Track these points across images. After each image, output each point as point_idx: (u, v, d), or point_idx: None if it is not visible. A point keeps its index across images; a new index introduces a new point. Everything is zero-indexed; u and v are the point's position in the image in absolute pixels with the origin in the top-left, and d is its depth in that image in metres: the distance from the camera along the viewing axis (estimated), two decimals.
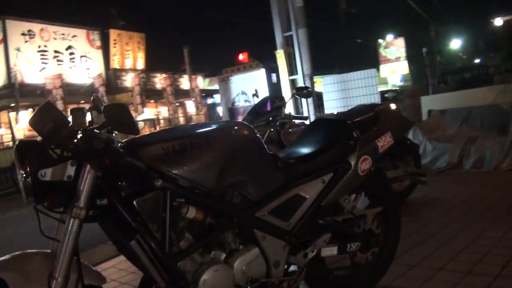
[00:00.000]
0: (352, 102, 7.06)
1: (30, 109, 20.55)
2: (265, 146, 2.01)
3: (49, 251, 1.62)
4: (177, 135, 1.84)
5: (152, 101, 26.52)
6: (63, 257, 1.54)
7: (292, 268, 2.14)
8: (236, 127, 2.00)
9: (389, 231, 2.53)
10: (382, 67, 33.53)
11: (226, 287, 1.80)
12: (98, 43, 24.20)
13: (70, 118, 1.66)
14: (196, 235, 1.79)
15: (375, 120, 2.35)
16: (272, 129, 3.95)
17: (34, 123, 1.52)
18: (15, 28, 20.03)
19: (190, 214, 1.74)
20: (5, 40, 19.61)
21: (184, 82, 27.29)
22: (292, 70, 7.10)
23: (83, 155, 1.56)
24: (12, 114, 18.46)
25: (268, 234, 1.94)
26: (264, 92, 6.69)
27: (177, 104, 25.10)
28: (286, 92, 7.08)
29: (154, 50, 27.91)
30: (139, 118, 22.59)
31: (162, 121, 23.75)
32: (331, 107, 7.41)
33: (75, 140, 1.57)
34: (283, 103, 4.01)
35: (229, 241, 1.90)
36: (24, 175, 1.50)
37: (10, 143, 17.77)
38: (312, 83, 7.17)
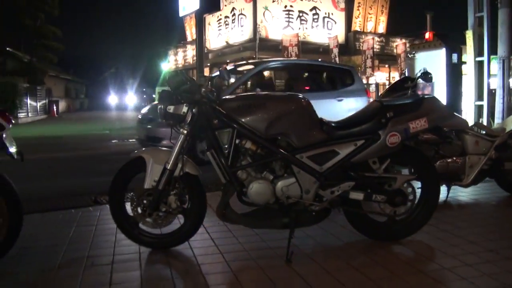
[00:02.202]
0: None
1: None
2: (315, 113, 3.07)
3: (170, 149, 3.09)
4: (249, 98, 3.08)
5: (386, 65, 27.08)
6: (174, 153, 2.99)
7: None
8: (291, 98, 3.13)
9: (424, 198, 3.29)
10: None
11: (265, 195, 2.99)
12: (342, 5, 25.74)
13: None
14: (252, 159, 3.03)
15: (414, 107, 3.10)
16: None
17: (168, 81, 2.95)
18: None
19: (247, 145, 2.99)
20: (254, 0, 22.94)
21: None
22: (480, 51, 7.22)
23: (189, 102, 2.95)
24: None
25: (302, 170, 3.02)
26: (442, 72, 7.05)
27: (404, 71, 25.13)
28: (470, 72, 7.27)
29: (397, 14, 28.01)
30: (370, 80, 23.64)
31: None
32: None
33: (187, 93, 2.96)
34: (412, 84, 4.71)
35: (276, 169, 3.08)
36: (160, 107, 2.97)
37: None
38: (508, 65, 7.14)
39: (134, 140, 12.67)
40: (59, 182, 6.35)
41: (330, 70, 8.33)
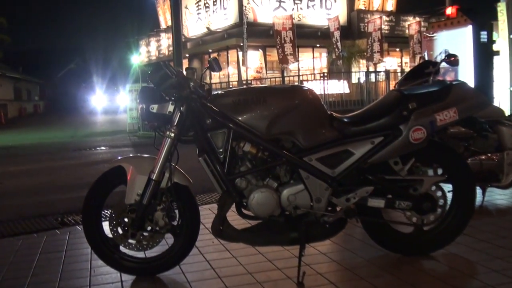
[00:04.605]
0: None
1: (260, 51, 23.76)
2: (324, 107, 3.09)
3: (156, 157, 3.09)
4: (245, 92, 3.09)
5: (397, 49, 27.29)
6: (159, 160, 2.99)
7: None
8: (295, 90, 3.14)
9: (457, 203, 3.31)
10: None
11: (269, 206, 3.00)
12: None
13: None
14: (252, 164, 3.04)
15: (441, 96, 3.13)
16: None
17: (149, 75, 2.96)
18: None
19: (246, 148, 3.00)
20: None
21: None
22: None
23: (176, 99, 2.95)
24: (241, 54, 21.87)
25: (311, 175, 3.03)
26: (469, 54, 7.09)
27: (423, 55, 25.30)
28: (504, 52, 7.31)
29: None
30: (379, 67, 23.78)
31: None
32: None
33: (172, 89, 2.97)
34: (434, 69, 4.74)
35: (281, 175, 3.09)
36: (142, 107, 2.98)
37: (236, 83, 21.26)
38: None
39: (105, 148, 12.71)
40: (16, 201, 6.31)
41: None
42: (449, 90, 3.16)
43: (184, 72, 3.06)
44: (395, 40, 26.54)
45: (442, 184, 3.26)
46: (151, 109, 2.99)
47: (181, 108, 2.97)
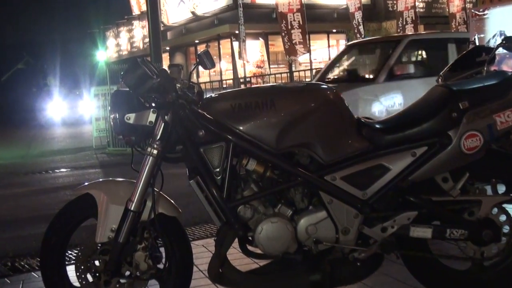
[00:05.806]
0: None
1: (261, 39, 23.79)
2: (349, 111, 3.07)
3: (134, 180, 3.07)
4: (247, 94, 3.08)
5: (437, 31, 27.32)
6: (139, 185, 2.97)
7: None
8: (312, 90, 3.13)
9: None
10: None
11: (282, 240, 2.97)
12: None
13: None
14: (259, 186, 3.01)
15: (500, 91, 3.11)
16: None
17: (124, 76, 2.94)
18: None
19: (250, 166, 2.98)
20: None
21: None
22: None
23: (158, 105, 2.94)
24: (236, 44, 21.92)
25: (335, 199, 3.01)
26: None
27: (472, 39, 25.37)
28: None
29: None
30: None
31: None
32: None
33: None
34: (489, 57, 4.73)
35: (297, 200, 3.07)
36: (115, 117, 2.96)
37: (231, 81, 21.28)
38: None
39: (66, 169, 12.70)
40: None
41: None
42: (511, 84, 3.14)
43: (168, 71, 3.05)
44: (433, 20, 26.59)
45: (506, 206, 3.24)
46: (126, 120, 2.97)
47: (166, 117, 2.95)
